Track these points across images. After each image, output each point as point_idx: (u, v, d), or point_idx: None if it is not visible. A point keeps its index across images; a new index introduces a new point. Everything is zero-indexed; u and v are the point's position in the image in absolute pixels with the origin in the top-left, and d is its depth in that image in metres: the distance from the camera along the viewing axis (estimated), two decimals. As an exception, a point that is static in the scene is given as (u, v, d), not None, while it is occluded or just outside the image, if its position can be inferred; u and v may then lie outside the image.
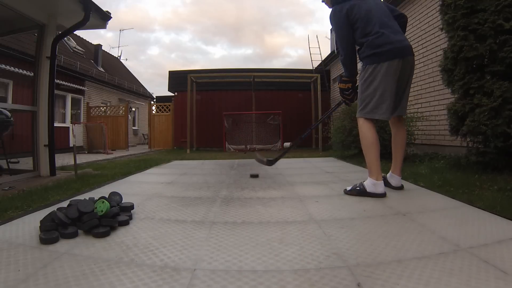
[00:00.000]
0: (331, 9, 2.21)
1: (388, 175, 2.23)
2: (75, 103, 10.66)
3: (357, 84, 2.27)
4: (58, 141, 5.09)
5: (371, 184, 1.99)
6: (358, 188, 2.05)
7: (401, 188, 2.18)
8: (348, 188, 2.11)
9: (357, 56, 2.22)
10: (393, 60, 1.99)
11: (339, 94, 2.40)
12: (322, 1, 2.39)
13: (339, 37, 2.16)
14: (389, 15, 2.15)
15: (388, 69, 2.00)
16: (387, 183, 2.19)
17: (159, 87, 77.65)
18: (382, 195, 1.96)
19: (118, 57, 18.24)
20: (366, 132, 2.06)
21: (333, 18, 2.17)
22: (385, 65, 1.99)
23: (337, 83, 2.42)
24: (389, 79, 2.00)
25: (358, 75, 2.25)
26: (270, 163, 2.86)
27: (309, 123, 9.47)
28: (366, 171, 2.03)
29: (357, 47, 2.19)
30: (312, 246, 1.17)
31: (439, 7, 3.08)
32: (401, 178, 2.24)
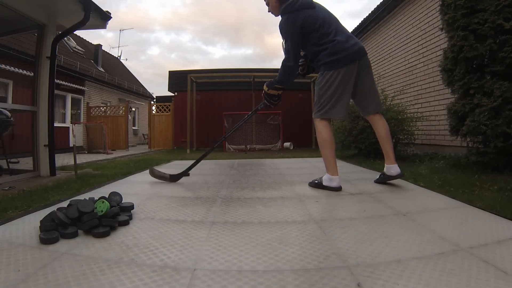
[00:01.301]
0: (281, 18, 2.24)
1: (385, 169, 2.31)
2: (75, 103, 10.66)
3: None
4: (58, 141, 5.09)
5: (328, 178, 2.18)
6: (316, 181, 2.27)
7: (402, 175, 2.26)
8: (310, 180, 2.34)
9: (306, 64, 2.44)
10: (349, 65, 2.12)
11: (264, 97, 2.46)
12: (269, 11, 2.41)
13: (292, 45, 2.19)
14: (338, 21, 2.26)
15: (344, 75, 2.13)
16: (387, 178, 2.30)
17: (159, 87, 77.78)
18: (337, 189, 2.14)
19: (118, 57, 18.25)
20: (322, 131, 2.21)
21: (286, 27, 2.19)
22: (343, 70, 2.12)
23: (264, 86, 2.44)
24: (346, 83, 2.15)
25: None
26: (174, 178, 2.63)
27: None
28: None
29: (310, 56, 2.34)
30: (312, 246, 1.17)
31: (439, 7, 3.08)
32: (402, 178, 2.30)
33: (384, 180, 2.34)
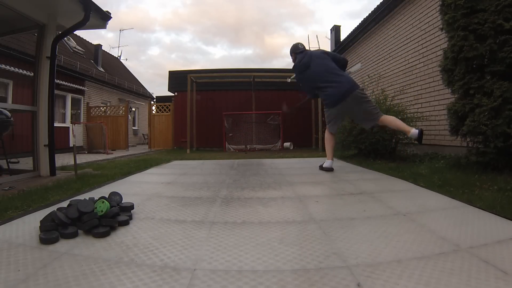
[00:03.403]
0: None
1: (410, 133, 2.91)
2: (75, 103, 10.66)
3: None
4: (58, 141, 5.09)
5: (325, 162, 3.31)
6: (320, 165, 3.39)
7: (421, 135, 2.85)
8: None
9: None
10: (335, 106, 3.16)
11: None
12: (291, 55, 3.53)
13: (302, 86, 3.59)
14: (328, 67, 3.17)
15: (332, 110, 3.24)
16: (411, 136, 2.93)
17: (159, 87, 77.63)
18: (329, 169, 3.20)
19: (118, 57, 18.24)
20: (326, 134, 3.43)
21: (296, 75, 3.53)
22: (331, 109, 3.25)
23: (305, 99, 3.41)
24: (334, 114, 3.26)
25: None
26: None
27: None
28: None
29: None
30: (312, 246, 1.17)
31: (439, 7, 3.08)
32: (400, 177, 2.58)
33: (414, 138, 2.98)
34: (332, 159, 3.26)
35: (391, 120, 3.06)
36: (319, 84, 3.18)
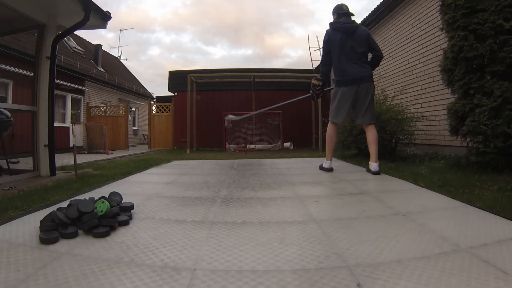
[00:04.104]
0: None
1: (369, 165, 2.92)
2: (75, 103, 10.66)
3: (327, 88, 3.32)
4: (58, 141, 5.09)
5: (324, 162, 3.24)
6: (320, 165, 3.33)
7: (378, 173, 2.83)
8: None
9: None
10: (349, 85, 2.93)
11: (310, 89, 3.30)
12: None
13: (322, 55, 3.16)
14: (354, 49, 2.91)
15: (343, 93, 2.97)
16: (369, 170, 2.93)
17: (159, 87, 77.65)
18: (328, 170, 3.15)
19: (118, 57, 18.24)
20: (329, 130, 3.18)
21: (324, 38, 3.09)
22: (344, 89, 2.97)
23: (312, 80, 3.27)
24: (344, 99, 2.99)
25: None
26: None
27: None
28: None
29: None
30: (312, 246, 1.17)
31: (439, 7, 3.08)
32: (400, 177, 2.54)
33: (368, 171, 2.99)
34: (331, 159, 3.20)
35: (371, 139, 2.94)
36: (344, 57, 2.92)
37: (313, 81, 3.22)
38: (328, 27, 3.07)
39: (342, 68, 2.94)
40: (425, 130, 4.66)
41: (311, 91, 3.28)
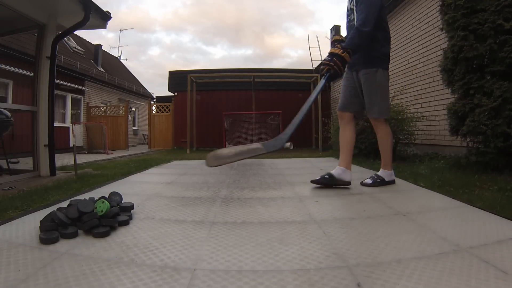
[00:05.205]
0: None
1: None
2: (75, 103, 10.66)
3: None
4: (58, 141, 5.09)
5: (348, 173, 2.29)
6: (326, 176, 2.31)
7: (391, 182, 2.32)
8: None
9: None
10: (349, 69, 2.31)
11: (333, 64, 2.06)
12: None
13: (372, 12, 2.07)
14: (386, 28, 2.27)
15: (388, 77, 2.29)
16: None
17: (159, 87, 77.78)
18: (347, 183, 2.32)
19: (118, 57, 18.24)
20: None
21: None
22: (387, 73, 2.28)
23: (335, 50, 2.08)
24: (346, 82, 2.38)
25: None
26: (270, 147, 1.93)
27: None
28: (367, 171, 2.25)
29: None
30: (312, 246, 1.17)
31: (439, 7, 3.08)
32: (402, 178, 2.41)
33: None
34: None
35: (384, 142, 2.34)
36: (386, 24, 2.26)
37: (344, 55, 2.04)
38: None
39: (390, 44, 2.25)
40: (425, 130, 4.66)
41: (335, 67, 2.05)
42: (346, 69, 2.28)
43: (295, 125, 2.06)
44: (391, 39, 2.37)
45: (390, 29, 2.38)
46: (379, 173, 2.34)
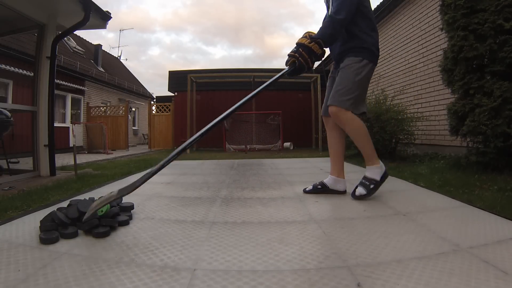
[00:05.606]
0: None
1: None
2: (75, 103, 10.66)
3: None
4: (58, 141, 5.09)
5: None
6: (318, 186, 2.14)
7: (385, 177, 1.96)
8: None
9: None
10: (375, 64, 1.97)
11: (300, 55, 1.84)
12: None
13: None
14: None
15: (371, 72, 1.96)
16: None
17: (159, 87, 77.83)
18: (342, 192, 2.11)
19: (118, 57, 18.25)
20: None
21: None
22: (373, 68, 1.96)
23: (303, 40, 1.87)
24: (368, 82, 2.02)
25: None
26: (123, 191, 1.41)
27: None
28: (366, 171, 1.93)
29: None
30: (312, 246, 1.17)
31: (439, 7, 3.08)
32: (400, 177, 2.38)
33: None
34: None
35: (355, 137, 1.97)
36: (372, 16, 2.00)
37: (313, 46, 1.83)
38: None
39: (377, 38, 1.99)
40: (425, 130, 4.66)
41: (300, 59, 1.84)
42: (332, 68, 2.07)
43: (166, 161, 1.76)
44: (391, 39, 2.31)
45: (390, 29, 2.34)
46: (367, 174, 1.95)
